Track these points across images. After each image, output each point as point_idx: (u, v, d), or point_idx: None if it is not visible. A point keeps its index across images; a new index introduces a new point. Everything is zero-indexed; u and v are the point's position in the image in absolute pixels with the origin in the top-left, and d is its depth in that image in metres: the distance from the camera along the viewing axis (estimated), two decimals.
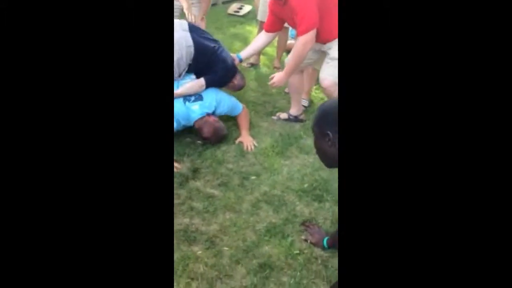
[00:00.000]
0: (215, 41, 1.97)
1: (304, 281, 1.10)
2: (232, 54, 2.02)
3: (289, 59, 1.76)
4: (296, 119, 2.10)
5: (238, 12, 4.96)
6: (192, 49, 1.80)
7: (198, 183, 1.53)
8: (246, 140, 1.83)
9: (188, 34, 1.79)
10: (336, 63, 1.68)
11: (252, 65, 2.92)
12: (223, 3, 5.71)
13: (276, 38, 2.78)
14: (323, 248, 1.21)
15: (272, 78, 1.82)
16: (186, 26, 1.82)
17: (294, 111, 2.11)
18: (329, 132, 0.84)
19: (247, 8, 5.01)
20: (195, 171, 1.60)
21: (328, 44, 1.75)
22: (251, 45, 2.04)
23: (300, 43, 1.65)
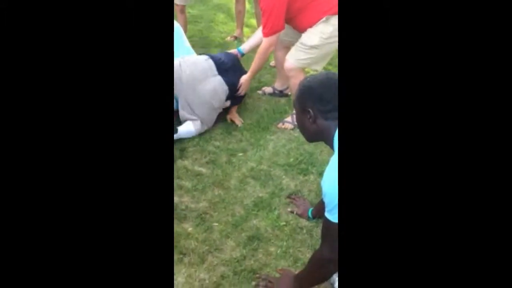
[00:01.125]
0: (240, 68, 1.92)
1: (291, 250, 1.17)
2: (233, 50, 1.97)
3: (254, 61, 1.76)
4: (281, 93, 2.11)
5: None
6: (227, 89, 1.76)
7: (186, 162, 1.55)
8: (235, 116, 1.84)
9: (220, 79, 1.75)
10: (303, 47, 1.62)
11: (236, 38, 2.86)
12: None
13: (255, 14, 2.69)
14: (308, 219, 1.28)
15: (240, 86, 1.83)
16: (216, 70, 1.76)
17: (279, 85, 2.11)
18: (309, 109, 0.86)
19: None
20: (183, 150, 1.62)
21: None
22: (252, 38, 1.97)
23: (264, 46, 1.67)
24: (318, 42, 1.58)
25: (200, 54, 1.90)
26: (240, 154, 1.63)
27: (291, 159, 1.60)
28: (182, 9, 2.63)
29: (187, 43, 2.01)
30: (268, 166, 1.55)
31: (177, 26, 1.98)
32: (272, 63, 2.37)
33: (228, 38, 2.88)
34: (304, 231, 1.25)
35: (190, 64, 1.72)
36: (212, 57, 1.81)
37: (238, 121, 1.82)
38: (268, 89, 2.13)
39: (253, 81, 2.25)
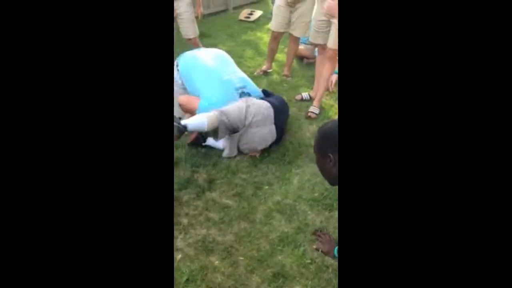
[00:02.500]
0: (287, 112, 2.10)
1: None
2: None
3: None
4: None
5: (248, 18, 5.03)
6: (275, 138, 1.88)
7: (213, 194, 1.61)
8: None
9: (273, 129, 1.85)
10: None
11: (264, 72, 2.99)
12: (234, 8, 5.80)
13: (287, 45, 2.85)
14: (334, 257, 1.27)
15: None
16: (273, 119, 1.85)
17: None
18: (330, 154, 0.89)
19: (257, 13, 5.08)
20: (211, 182, 1.69)
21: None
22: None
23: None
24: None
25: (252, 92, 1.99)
26: (266, 187, 1.66)
27: (316, 194, 1.61)
28: (195, 41, 2.85)
29: (235, 67, 2.14)
30: (293, 200, 1.57)
31: (222, 52, 2.20)
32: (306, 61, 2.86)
33: (257, 72, 3.02)
34: (330, 270, 1.23)
35: (256, 108, 1.80)
36: (272, 104, 1.88)
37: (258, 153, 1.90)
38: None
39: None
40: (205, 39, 4.23)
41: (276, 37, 2.84)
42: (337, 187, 1.66)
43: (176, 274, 1.18)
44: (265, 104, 1.86)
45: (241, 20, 5.07)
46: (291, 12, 2.64)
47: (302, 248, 1.32)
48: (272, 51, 2.96)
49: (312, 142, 2.07)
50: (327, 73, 2.30)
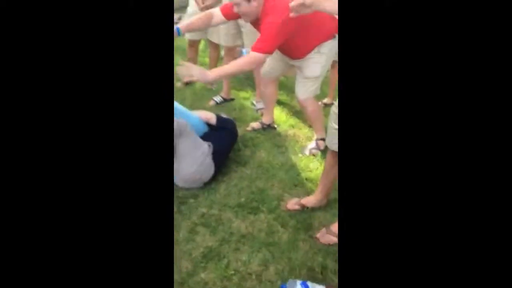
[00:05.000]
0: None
1: None
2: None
3: (229, 65, 1.65)
4: (269, 127, 2.19)
5: (177, 23, 4.89)
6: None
7: None
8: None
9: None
10: (308, 80, 1.80)
11: (187, 84, 2.89)
12: None
13: (208, 51, 2.77)
14: None
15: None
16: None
17: (267, 119, 2.19)
18: None
19: (186, 18, 4.96)
20: None
21: (298, 62, 1.77)
22: (198, 19, 1.83)
23: (248, 60, 1.59)
24: (320, 72, 1.78)
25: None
26: (192, 200, 1.58)
27: (242, 199, 1.56)
28: (193, 43, 2.72)
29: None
30: (218, 210, 1.51)
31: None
32: (256, 101, 2.49)
33: (179, 84, 2.87)
34: (253, 276, 1.19)
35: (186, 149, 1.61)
36: (213, 145, 1.68)
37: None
38: (256, 125, 2.18)
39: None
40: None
41: (192, 45, 2.76)
42: (264, 186, 1.65)
43: None
44: (202, 149, 1.64)
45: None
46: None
47: (225, 260, 1.26)
48: (192, 61, 2.87)
49: (240, 144, 2.05)
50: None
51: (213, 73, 1.59)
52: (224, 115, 2.01)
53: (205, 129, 1.85)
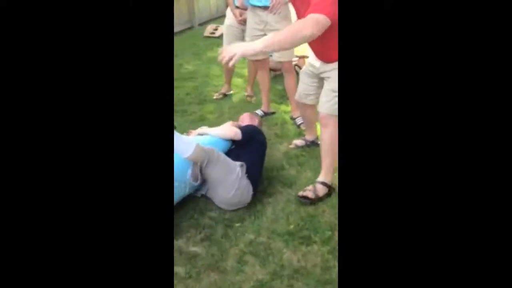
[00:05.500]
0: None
1: None
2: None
3: (283, 31, 1.34)
4: (313, 143, 2.04)
5: (214, 33, 4.92)
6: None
7: (179, 242, 1.45)
8: None
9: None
10: (333, 94, 1.52)
11: (224, 95, 2.87)
12: (199, 25, 5.69)
13: (247, 62, 2.72)
14: None
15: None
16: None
17: (310, 137, 2.05)
18: None
19: (222, 28, 4.99)
20: (175, 225, 1.53)
21: (329, 70, 1.55)
22: None
23: (309, 20, 1.27)
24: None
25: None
26: (237, 224, 1.52)
27: (292, 226, 1.47)
28: None
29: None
30: (267, 237, 1.43)
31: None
32: (295, 115, 2.38)
33: (216, 95, 2.88)
34: None
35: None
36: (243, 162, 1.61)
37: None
38: (300, 142, 2.08)
39: None
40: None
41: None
42: (315, 213, 1.55)
43: None
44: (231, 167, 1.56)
45: (206, 37, 4.96)
46: (243, 30, 2.48)
47: None
48: (228, 72, 2.83)
49: (285, 163, 1.97)
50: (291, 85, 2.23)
51: (262, 43, 1.27)
52: (247, 118, 1.92)
53: (230, 145, 1.75)
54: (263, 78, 2.38)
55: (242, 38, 2.47)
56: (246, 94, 2.82)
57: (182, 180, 1.51)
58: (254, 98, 2.76)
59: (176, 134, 1.57)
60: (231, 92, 2.92)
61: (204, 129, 1.82)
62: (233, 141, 1.73)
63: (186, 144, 1.53)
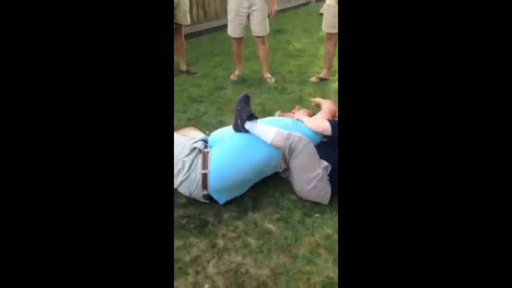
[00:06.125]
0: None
1: None
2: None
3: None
4: None
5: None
6: None
7: (256, 216, 1.47)
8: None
9: None
10: None
11: (321, 79, 2.73)
12: (317, 1, 5.46)
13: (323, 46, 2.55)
14: None
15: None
16: None
17: None
18: None
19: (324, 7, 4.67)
20: (256, 200, 1.56)
21: None
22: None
23: None
24: None
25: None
26: (317, 215, 1.45)
27: None
28: (238, 42, 2.71)
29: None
30: None
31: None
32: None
33: (313, 79, 2.75)
34: None
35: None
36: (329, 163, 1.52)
37: None
38: None
39: None
40: (279, 34, 4.08)
41: (330, 38, 2.59)
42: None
43: None
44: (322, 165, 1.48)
45: (322, 14, 4.74)
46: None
47: None
48: (329, 54, 2.68)
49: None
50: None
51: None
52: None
53: (319, 139, 1.60)
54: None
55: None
56: (266, 77, 2.66)
57: (267, 163, 1.50)
58: (272, 80, 2.59)
59: (257, 123, 1.52)
60: (331, 78, 2.75)
61: (300, 116, 1.74)
62: (324, 136, 1.62)
63: (267, 131, 1.50)
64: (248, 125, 1.52)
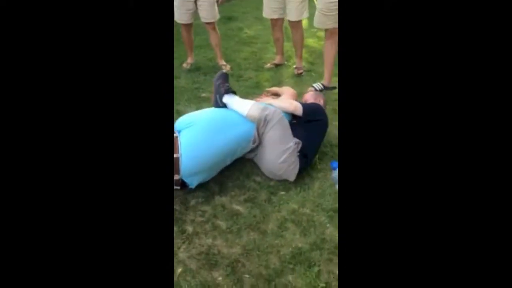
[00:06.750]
0: None
1: None
2: None
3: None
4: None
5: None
6: None
7: (224, 199, 1.49)
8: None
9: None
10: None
11: (276, 65, 2.78)
12: None
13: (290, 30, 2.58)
14: None
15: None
16: None
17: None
18: None
19: None
20: (222, 184, 1.57)
21: None
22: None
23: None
24: None
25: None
26: (282, 192, 1.51)
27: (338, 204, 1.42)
28: (187, 29, 2.64)
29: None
30: (311, 210, 1.40)
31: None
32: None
33: (268, 65, 2.80)
34: None
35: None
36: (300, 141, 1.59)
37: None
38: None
39: None
40: (231, 22, 4.05)
41: (275, 24, 2.58)
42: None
43: None
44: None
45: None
46: None
47: (316, 268, 1.16)
48: (278, 41, 2.69)
49: (331, 140, 1.88)
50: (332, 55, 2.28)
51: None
52: (312, 97, 1.83)
53: (288, 119, 1.65)
54: (329, 49, 2.25)
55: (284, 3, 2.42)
56: (294, 66, 2.70)
57: (240, 142, 1.51)
58: (302, 72, 2.65)
59: (235, 97, 1.57)
60: (285, 63, 2.82)
61: (269, 99, 1.77)
62: (294, 117, 1.67)
63: (244, 104, 1.52)
64: (226, 98, 1.54)
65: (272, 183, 1.56)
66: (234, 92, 1.58)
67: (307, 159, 1.57)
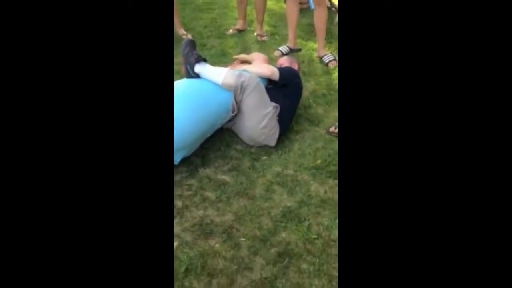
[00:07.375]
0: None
1: (324, 267, 1.10)
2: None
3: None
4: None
5: None
6: None
7: (208, 171, 1.49)
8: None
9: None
10: None
11: (239, 31, 2.71)
12: None
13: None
14: None
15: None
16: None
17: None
18: None
19: None
20: (204, 157, 1.56)
21: None
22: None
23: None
24: None
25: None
26: (264, 157, 1.54)
27: (319, 161, 1.49)
28: None
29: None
30: (294, 171, 1.46)
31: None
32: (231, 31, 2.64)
33: (230, 31, 2.71)
34: (337, 244, 1.16)
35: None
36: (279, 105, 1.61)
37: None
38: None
39: None
40: None
41: None
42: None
43: (174, 264, 1.11)
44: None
45: None
46: None
47: (306, 223, 1.24)
48: (242, 4, 2.60)
49: (312, 101, 1.93)
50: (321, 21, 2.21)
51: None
52: (286, 61, 1.84)
53: (265, 83, 1.66)
54: (292, 10, 2.22)
55: None
56: (256, 33, 2.65)
57: (220, 113, 1.48)
58: (265, 37, 2.60)
59: (206, 65, 1.51)
60: (247, 28, 2.74)
61: (244, 66, 1.73)
62: (270, 81, 1.66)
63: (218, 72, 1.48)
64: (197, 68, 1.48)
65: (253, 150, 1.58)
66: (205, 60, 1.52)
67: (286, 123, 1.60)
